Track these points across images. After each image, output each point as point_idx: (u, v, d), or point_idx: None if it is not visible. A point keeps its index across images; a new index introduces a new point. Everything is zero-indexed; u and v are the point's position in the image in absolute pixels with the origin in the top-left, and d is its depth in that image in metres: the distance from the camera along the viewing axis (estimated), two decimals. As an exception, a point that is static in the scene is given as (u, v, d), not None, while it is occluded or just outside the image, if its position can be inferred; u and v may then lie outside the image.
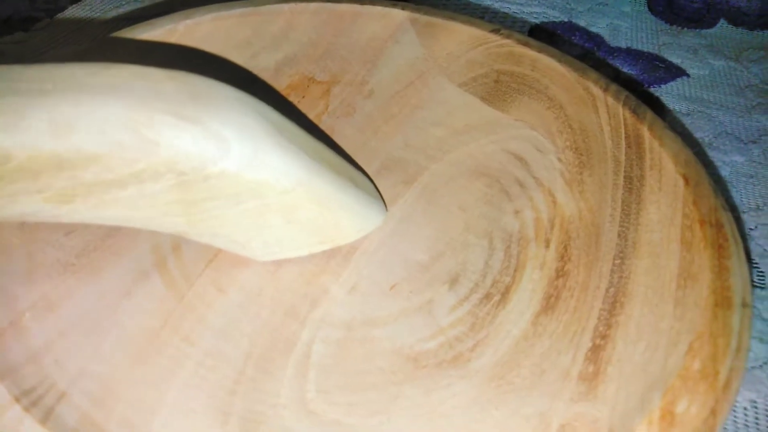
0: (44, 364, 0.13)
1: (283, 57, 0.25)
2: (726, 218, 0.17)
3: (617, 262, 0.18)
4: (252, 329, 0.16)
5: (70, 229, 0.17)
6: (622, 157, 0.20)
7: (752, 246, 0.23)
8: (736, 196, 0.25)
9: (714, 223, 0.17)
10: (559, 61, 0.23)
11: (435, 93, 0.24)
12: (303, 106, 0.23)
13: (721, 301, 0.15)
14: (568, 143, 0.22)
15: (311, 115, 0.23)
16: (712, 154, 0.27)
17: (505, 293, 0.17)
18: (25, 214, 0.14)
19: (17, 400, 0.12)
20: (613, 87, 0.22)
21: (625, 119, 0.21)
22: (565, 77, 0.23)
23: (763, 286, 0.21)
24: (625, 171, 0.20)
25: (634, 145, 0.20)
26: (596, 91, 0.22)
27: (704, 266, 0.16)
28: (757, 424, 0.17)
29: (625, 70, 0.32)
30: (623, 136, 0.21)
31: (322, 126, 0.23)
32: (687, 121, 0.29)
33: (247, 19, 0.24)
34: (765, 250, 0.23)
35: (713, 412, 0.13)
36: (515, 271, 0.18)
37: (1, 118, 0.13)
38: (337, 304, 0.17)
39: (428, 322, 0.16)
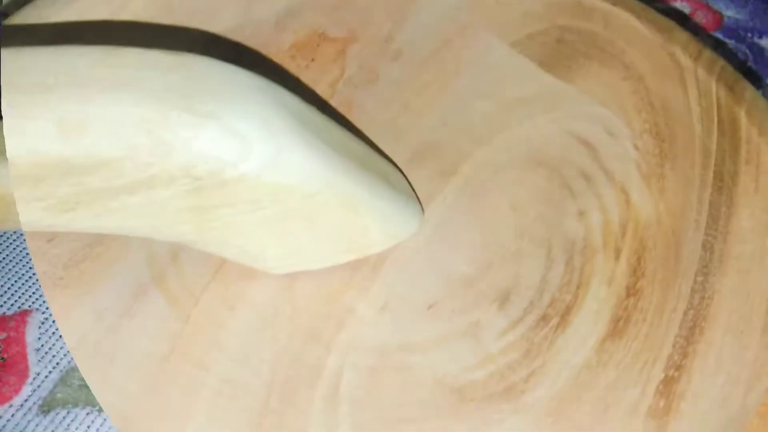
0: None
1: (286, 7, 0.29)
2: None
3: (699, 279, 0.22)
4: (271, 355, 0.20)
5: (51, 236, 0.21)
6: (713, 147, 0.25)
7: None
8: None
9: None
10: (639, 16, 0.27)
11: (480, 54, 0.28)
12: (312, 73, 0.27)
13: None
14: (647, 126, 0.26)
15: (323, 84, 0.27)
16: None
17: (566, 315, 0.22)
18: (18, 223, 0.18)
19: None
20: (707, 54, 0.26)
21: (718, 99, 0.25)
22: (647, 39, 0.27)
23: None
24: (715, 165, 0.24)
25: (728, 132, 0.25)
26: (685, 60, 0.26)
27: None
28: None
29: (728, 14, 0.36)
30: (716, 120, 0.25)
31: (338, 98, 0.27)
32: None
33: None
34: None
35: (791, 453, 0.17)
36: (578, 288, 0.22)
37: (4, 121, 0.17)
38: (366, 326, 0.21)
39: (474, 347, 0.21)
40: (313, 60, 0.28)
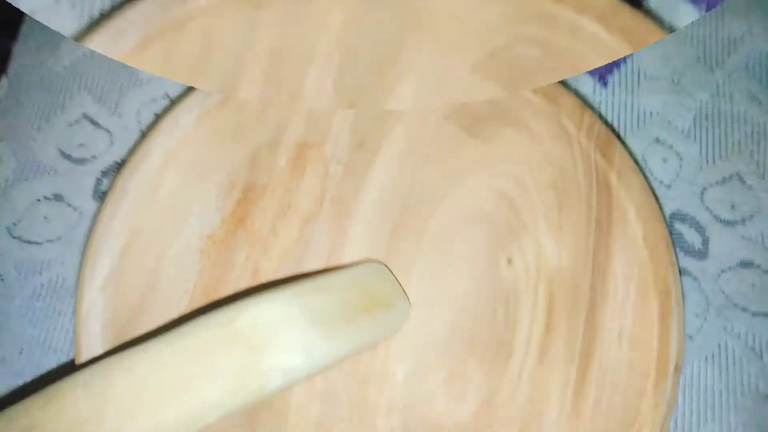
0: None
1: (274, 127, 0.26)
2: (673, 281, 0.22)
3: (589, 315, 0.23)
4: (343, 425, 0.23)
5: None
6: (594, 202, 0.24)
7: (703, 213, 0.27)
8: (696, 152, 0.28)
9: (663, 291, 0.22)
10: (534, 90, 0.24)
11: (421, 129, 0.26)
12: (307, 181, 0.25)
13: (661, 373, 0.21)
14: (548, 181, 0.25)
15: (317, 187, 0.25)
16: (680, 100, 0.29)
17: (509, 350, 0.23)
18: None
19: None
20: (587, 120, 0.24)
21: (596, 162, 0.24)
22: (541, 108, 0.25)
23: (706, 254, 0.27)
24: (596, 216, 0.24)
25: (604, 190, 0.24)
26: (570, 127, 0.24)
27: (652, 334, 0.22)
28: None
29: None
30: (594, 179, 0.24)
31: (328, 197, 0.25)
32: (659, 52, 0.30)
33: (226, 102, 0.25)
34: (714, 215, 0.27)
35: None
36: (514, 326, 0.24)
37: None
38: (396, 391, 0.23)
39: (458, 396, 0.23)
40: (305, 168, 0.26)
